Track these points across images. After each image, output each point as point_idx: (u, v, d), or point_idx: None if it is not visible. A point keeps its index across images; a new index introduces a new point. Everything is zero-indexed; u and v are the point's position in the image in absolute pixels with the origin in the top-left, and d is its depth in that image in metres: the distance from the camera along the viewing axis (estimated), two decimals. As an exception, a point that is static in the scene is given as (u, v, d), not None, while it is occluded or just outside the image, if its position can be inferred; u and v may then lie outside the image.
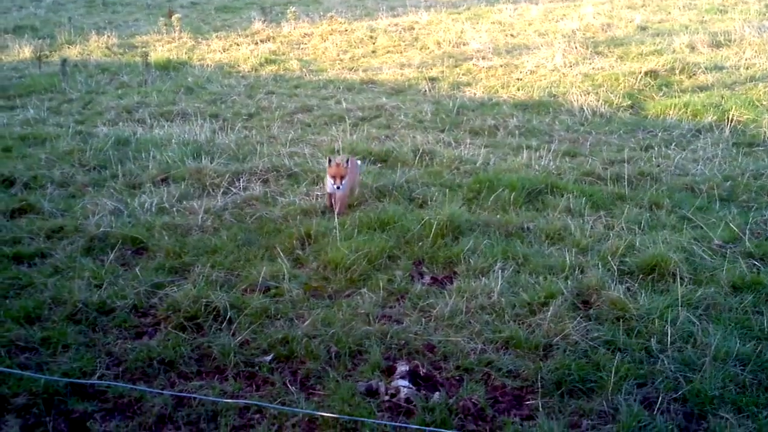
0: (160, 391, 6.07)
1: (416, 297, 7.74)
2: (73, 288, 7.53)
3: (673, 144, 13.49)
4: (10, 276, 7.87)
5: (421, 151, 12.29)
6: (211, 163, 11.45)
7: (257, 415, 5.93)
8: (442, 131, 14.19)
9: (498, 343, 6.97)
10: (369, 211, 9.48)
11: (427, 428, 5.70)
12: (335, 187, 9.05)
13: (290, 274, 7.97)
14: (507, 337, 7.02)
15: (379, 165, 11.92)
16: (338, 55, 22.33)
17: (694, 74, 18.05)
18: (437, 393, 6.24)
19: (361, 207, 9.80)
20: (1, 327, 6.92)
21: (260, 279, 7.81)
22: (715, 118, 14.91)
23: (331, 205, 9.50)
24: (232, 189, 10.64)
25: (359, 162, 10.50)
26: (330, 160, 9.11)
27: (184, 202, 10.13)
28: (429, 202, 10.13)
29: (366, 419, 5.80)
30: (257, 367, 6.54)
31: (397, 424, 5.80)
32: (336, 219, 9.05)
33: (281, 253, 8.42)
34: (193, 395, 6.01)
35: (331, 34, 24.64)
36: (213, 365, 6.54)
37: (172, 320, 7.12)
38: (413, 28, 25.44)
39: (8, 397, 5.99)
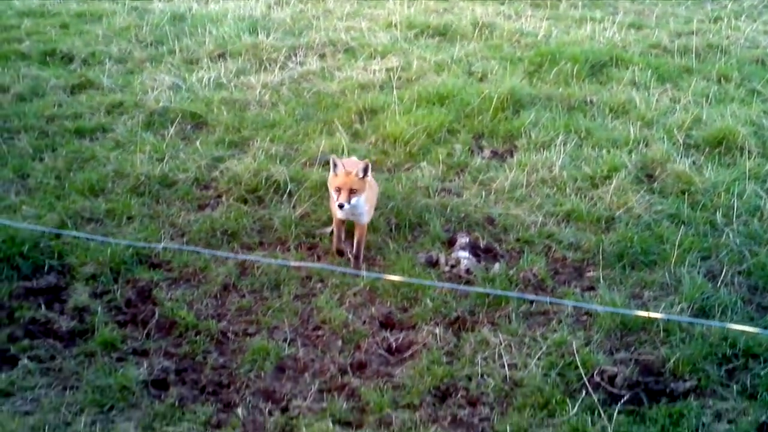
0: (227, 254, 6.20)
1: (476, 170, 7.67)
2: (135, 161, 7.61)
3: (744, 15, 12.95)
4: (73, 150, 7.97)
5: (480, 23, 11.96)
6: (267, 38, 11.29)
7: (319, 284, 6.01)
8: (502, 3, 13.76)
9: (559, 216, 6.91)
10: (428, 85, 9.33)
11: (489, 290, 5.72)
12: (338, 204, 5.90)
13: (349, 148, 7.93)
14: (568, 210, 6.95)
15: (437, 39, 11.67)
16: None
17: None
18: (497, 264, 6.24)
19: (420, 81, 9.65)
20: (66, 199, 7.05)
21: (319, 153, 7.79)
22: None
23: (339, 243, 6.42)
24: (289, 64, 10.53)
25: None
26: (334, 163, 6.02)
27: (242, 78, 10.06)
28: (489, 76, 9.93)
29: (428, 282, 5.86)
30: (318, 239, 6.59)
31: (457, 287, 5.85)
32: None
33: (340, 127, 8.37)
34: (259, 259, 6.11)
35: None
36: (275, 237, 6.61)
37: (233, 193, 7.18)
38: None
39: (76, 266, 6.14)
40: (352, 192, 5.81)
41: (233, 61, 10.60)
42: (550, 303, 5.67)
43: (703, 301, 5.72)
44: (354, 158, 6.81)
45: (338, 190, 5.84)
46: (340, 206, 5.83)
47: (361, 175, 5.87)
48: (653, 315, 5.40)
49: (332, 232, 6.44)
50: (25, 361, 5.20)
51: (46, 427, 4.65)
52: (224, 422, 4.73)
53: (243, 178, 7.27)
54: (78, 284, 5.96)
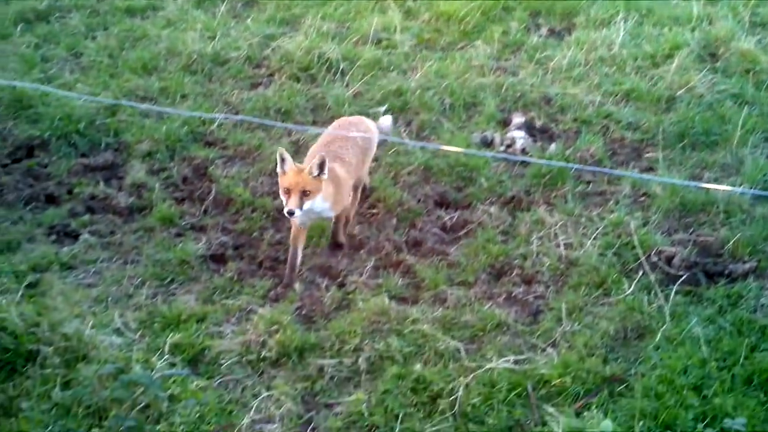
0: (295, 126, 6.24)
1: (532, 49, 7.47)
2: (187, 39, 7.53)
3: None
4: (125, 28, 7.91)
5: None
6: None
7: (373, 163, 5.98)
8: None
9: (618, 96, 6.74)
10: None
11: (549, 162, 5.64)
12: (287, 211, 4.69)
13: (402, 26, 7.76)
14: (628, 90, 6.78)
15: None
16: None
17: None
18: (553, 144, 6.14)
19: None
20: (120, 77, 7.05)
21: (371, 31, 7.63)
22: None
23: (293, 273, 4.97)
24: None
25: (387, 121, 5.95)
26: (282, 158, 4.76)
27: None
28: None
29: (483, 153, 5.81)
30: (372, 117, 6.52)
31: (522, 158, 5.79)
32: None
33: (392, 4, 8.16)
34: (308, 128, 6.09)
35: None
36: (328, 115, 6.55)
37: (285, 71, 7.11)
38: None
39: (132, 143, 6.19)
40: (305, 194, 4.67)
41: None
42: (610, 180, 5.59)
43: (765, 183, 5.59)
44: (363, 118, 5.71)
45: (287, 192, 4.67)
46: (290, 213, 4.66)
47: (315, 172, 4.68)
48: (721, 188, 5.30)
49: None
50: (86, 235, 5.31)
51: (109, 299, 4.77)
52: (282, 296, 4.80)
53: (295, 57, 7.18)
54: (135, 161, 6.01)
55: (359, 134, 5.23)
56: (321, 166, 4.66)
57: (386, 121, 5.84)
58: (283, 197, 4.68)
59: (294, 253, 4.93)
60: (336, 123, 5.52)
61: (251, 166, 6.00)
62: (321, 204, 4.78)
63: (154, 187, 5.71)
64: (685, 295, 4.69)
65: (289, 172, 4.69)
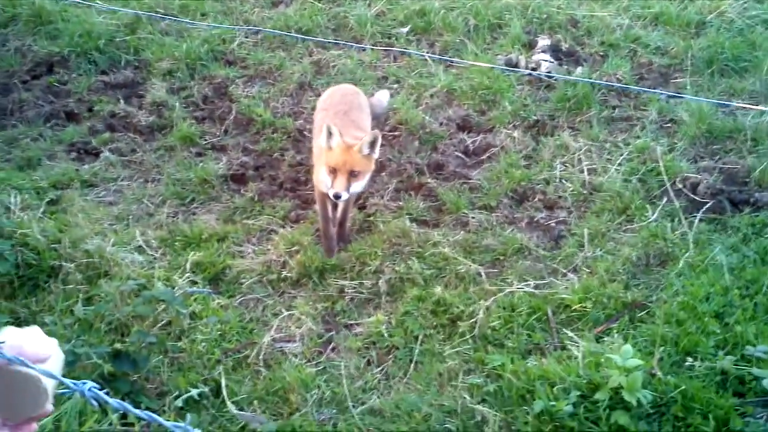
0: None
1: (560, -31, 7.27)
2: (207, -44, 7.37)
3: None
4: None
5: None
6: None
7: (395, 85, 5.90)
8: None
9: (646, 19, 6.58)
10: None
11: (577, 78, 5.55)
12: (334, 194, 4.15)
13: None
14: (657, 13, 6.61)
15: None
16: None
17: None
18: (579, 68, 6.02)
19: None
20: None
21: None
22: None
23: (327, 221, 4.53)
24: None
25: (385, 97, 5.29)
26: (329, 132, 4.16)
27: None
28: None
29: (510, 70, 5.72)
30: (394, 39, 6.42)
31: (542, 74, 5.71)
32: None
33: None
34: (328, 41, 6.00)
35: None
36: (350, 36, 6.44)
37: (307, -11, 6.97)
38: None
39: (152, 61, 6.12)
40: (353, 175, 4.14)
41: None
42: (636, 106, 5.49)
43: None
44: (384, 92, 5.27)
45: (333, 171, 4.13)
46: (336, 197, 4.12)
47: (366, 151, 4.16)
48: (750, 107, 5.21)
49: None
50: (107, 153, 5.30)
51: (130, 217, 4.78)
52: (302, 217, 4.79)
53: (317, -26, 7.02)
54: (155, 80, 5.96)
55: (382, 100, 5.08)
56: (373, 144, 4.14)
57: (383, 96, 5.27)
58: (327, 176, 4.14)
59: (324, 217, 4.49)
60: (331, 91, 4.90)
61: (272, 86, 5.93)
62: (364, 184, 4.37)
63: (175, 106, 5.67)
64: (710, 222, 4.63)
65: (336, 149, 4.12)
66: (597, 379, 3.41)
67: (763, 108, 5.26)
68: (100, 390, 1.61)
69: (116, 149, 5.35)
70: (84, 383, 1.81)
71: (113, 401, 1.98)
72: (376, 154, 4.22)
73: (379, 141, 4.16)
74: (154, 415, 1.54)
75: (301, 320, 4.07)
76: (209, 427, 3.39)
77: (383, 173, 5.12)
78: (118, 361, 3.58)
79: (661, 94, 5.49)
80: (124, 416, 3.35)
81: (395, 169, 5.16)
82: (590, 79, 5.70)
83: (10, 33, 6.44)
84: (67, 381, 1.95)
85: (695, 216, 4.61)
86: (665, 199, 4.75)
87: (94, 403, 1.69)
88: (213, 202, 4.95)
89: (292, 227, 4.69)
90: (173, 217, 4.82)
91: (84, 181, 5.07)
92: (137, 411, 1.57)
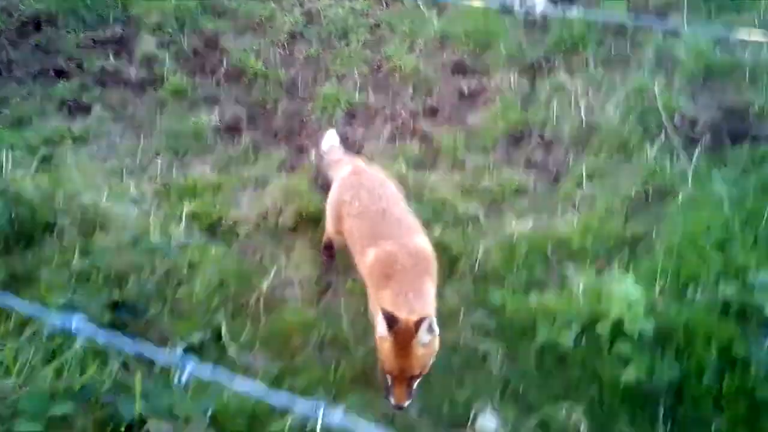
0: None
1: None
2: None
3: None
4: None
5: None
6: None
7: (387, 32, 5.82)
8: None
9: (641, -43, 6.46)
10: None
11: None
12: (395, 406, 3.04)
13: None
14: (652, -49, 6.48)
15: None
16: None
17: None
18: (574, 8, 5.91)
19: None
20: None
21: None
22: None
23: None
24: None
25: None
26: (391, 319, 2.95)
27: None
28: None
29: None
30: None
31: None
32: None
33: None
34: None
35: None
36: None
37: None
38: None
39: (141, 16, 6.02)
40: (413, 379, 3.05)
41: None
42: (633, 45, 5.41)
43: (793, 45, 5.39)
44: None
45: (393, 376, 3.03)
46: (398, 408, 3.04)
47: (426, 339, 2.98)
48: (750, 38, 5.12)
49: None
50: (98, 109, 5.23)
51: (124, 171, 4.74)
52: (298, 165, 4.74)
53: None
54: (144, 34, 5.87)
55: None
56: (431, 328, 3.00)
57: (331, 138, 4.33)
58: (386, 376, 3.08)
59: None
60: (352, 185, 3.72)
61: (262, 38, 5.85)
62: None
63: (165, 59, 5.59)
64: (709, 157, 4.58)
65: (388, 351, 2.98)
66: (598, 312, 3.39)
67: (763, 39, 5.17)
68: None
69: (107, 105, 5.29)
70: (73, 314, 1.80)
71: (102, 331, 1.96)
72: (436, 333, 3.03)
73: (434, 323, 3.00)
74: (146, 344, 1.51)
75: (299, 266, 4.04)
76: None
77: (377, 119, 5.07)
78: (118, 311, 3.55)
79: (659, 28, 5.41)
80: (125, 365, 3.33)
81: (389, 115, 5.10)
82: (584, 21, 5.61)
83: (-4, -8, 6.35)
84: (54, 316, 1.93)
85: (694, 151, 4.56)
86: (663, 136, 4.70)
87: (81, 333, 1.67)
88: (207, 154, 4.91)
89: (287, 176, 4.65)
90: (167, 169, 4.77)
91: (76, 137, 5.02)
92: (124, 340, 1.55)
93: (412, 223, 3.52)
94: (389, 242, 3.29)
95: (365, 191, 3.62)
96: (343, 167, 3.94)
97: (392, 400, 3.02)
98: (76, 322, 1.67)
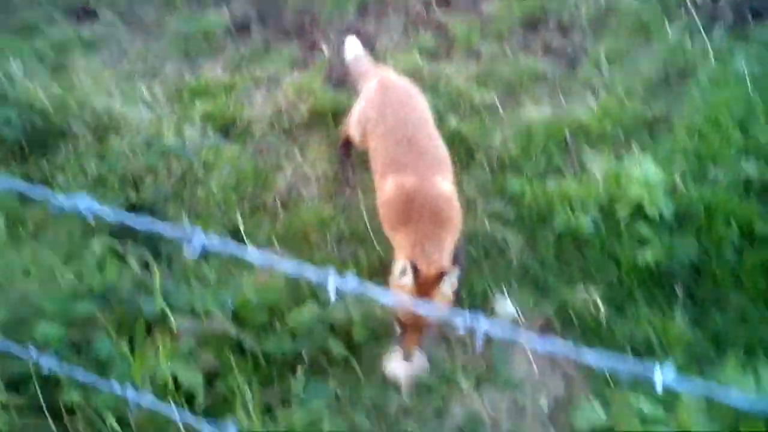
0: None
1: None
2: None
3: None
4: None
5: None
6: None
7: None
8: None
9: None
10: None
11: None
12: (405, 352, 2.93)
13: None
14: None
15: None
16: None
17: None
18: None
19: None
20: None
21: None
22: None
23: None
24: None
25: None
26: (414, 268, 2.75)
27: None
28: None
29: None
30: None
31: None
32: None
33: None
34: None
35: None
36: None
37: None
38: None
39: None
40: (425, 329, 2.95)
41: None
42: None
43: None
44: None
45: (407, 325, 2.90)
46: (407, 358, 2.94)
47: (448, 293, 2.83)
48: None
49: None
50: (106, 13, 5.16)
51: (135, 75, 4.69)
52: (310, 61, 4.66)
53: None
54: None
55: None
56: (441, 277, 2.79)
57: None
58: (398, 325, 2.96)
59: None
60: (376, 97, 3.46)
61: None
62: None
63: (171, -40, 5.47)
64: (730, 35, 4.43)
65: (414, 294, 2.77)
66: (617, 195, 3.35)
67: None
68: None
69: (116, 10, 5.21)
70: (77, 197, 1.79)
71: (109, 211, 1.96)
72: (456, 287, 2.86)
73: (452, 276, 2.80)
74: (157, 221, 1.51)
75: (315, 163, 4.01)
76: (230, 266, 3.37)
77: (389, 11, 4.95)
78: (135, 213, 3.56)
79: None
80: (146, 265, 3.35)
81: (402, 7, 4.98)
82: None
83: None
84: (61, 198, 1.92)
85: (715, 29, 4.42)
86: (684, 14, 4.55)
87: (90, 216, 1.67)
88: (218, 54, 4.84)
89: (300, 73, 4.58)
90: (178, 71, 4.72)
91: (86, 43, 4.96)
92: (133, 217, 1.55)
93: (439, 157, 3.22)
94: (411, 177, 3.05)
95: (391, 111, 3.33)
96: (370, 80, 3.66)
97: (402, 349, 2.92)
98: (81, 202, 1.67)
